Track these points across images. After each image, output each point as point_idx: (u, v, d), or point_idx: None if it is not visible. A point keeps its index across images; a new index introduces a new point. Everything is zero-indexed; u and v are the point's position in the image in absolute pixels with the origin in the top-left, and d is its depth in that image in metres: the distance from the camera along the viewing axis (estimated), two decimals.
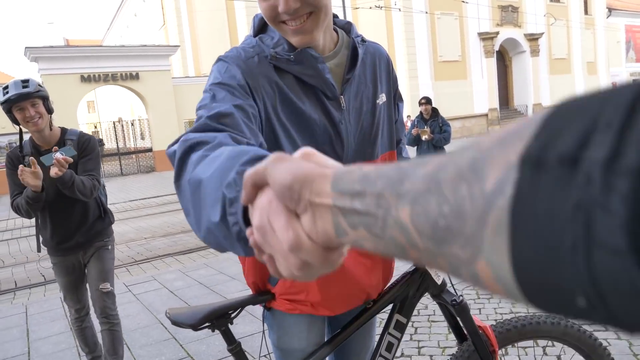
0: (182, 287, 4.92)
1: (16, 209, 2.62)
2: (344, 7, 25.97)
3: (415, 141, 6.80)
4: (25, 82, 2.57)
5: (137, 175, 22.00)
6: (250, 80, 1.08)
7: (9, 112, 2.58)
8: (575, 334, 1.69)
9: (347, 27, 1.29)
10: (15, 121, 2.61)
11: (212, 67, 1.14)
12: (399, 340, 1.53)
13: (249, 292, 1.44)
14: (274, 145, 1.12)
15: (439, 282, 1.57)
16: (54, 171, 2.36)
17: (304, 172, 0.43)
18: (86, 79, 20.41)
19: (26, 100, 2.54)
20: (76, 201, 2.64)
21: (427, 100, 6.89)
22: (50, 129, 2.71)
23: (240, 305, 1.42)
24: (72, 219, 2.69)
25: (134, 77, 21.29)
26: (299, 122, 1.15)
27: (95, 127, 27.83)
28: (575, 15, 34.34)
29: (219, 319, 1.42)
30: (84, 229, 2.73)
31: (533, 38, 31.04)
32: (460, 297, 1.58)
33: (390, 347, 1.52)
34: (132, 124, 25.07)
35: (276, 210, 0.44)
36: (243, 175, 0.50)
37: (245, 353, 1.51)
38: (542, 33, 31.31)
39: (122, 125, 24.38)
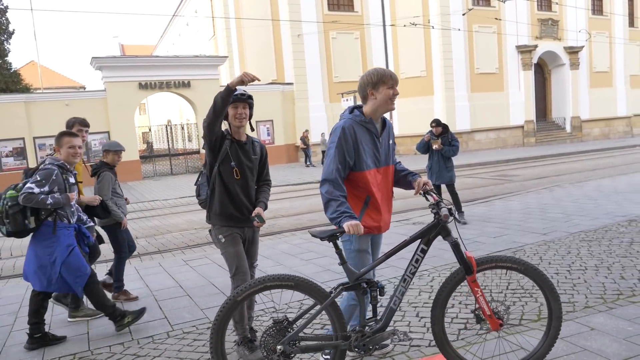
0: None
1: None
2: (384, 25, 27.10)
3: (425, 148, 7.78)
4: (244, 91, 3.36)
5: (186, 175, 23.78)
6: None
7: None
8: (522, 264, 2.75)
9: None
10: (225, 117, 3.33)
11: None
12: (422, 258, 2.78)
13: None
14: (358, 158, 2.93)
15: (449, 231, 2.78)
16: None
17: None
18: (143, 86, 22.34)
19: (243, 101, 3.34)
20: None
21: (437, 124, 7.84)
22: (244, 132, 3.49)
23: (333, 234, 2.67)
24: None
25: (186, 85, 23.10)
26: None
27: (149, 129, 29.95)
28: (619, 28, 34.10)
29: (330, 237, 2.67)
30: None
31: (573, 51, 31.13)
32: (455, 239, 2.74)
33: (417, 261, 2.78)
34: (183, 128, 26.93)
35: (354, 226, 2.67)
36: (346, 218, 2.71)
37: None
38: (582, 46, 31.35)
39: (171, 128, 26.22)
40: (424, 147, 7.79)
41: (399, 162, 3.27)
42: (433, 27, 25.48)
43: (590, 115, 32.74)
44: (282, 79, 26.77)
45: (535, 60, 29.94)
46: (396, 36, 27.30)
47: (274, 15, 26.00)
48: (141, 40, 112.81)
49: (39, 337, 3.91)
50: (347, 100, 19.94)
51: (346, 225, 2.65)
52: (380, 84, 2.87)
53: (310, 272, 5.44)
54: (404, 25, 24.22)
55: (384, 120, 3.06)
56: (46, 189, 3.74)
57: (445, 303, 2.77)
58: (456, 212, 7.71)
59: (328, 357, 2.98)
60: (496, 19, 27.73)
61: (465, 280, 2.74)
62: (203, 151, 17.95)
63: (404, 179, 3.13)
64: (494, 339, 3.23)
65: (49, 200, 3.72)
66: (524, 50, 29.13)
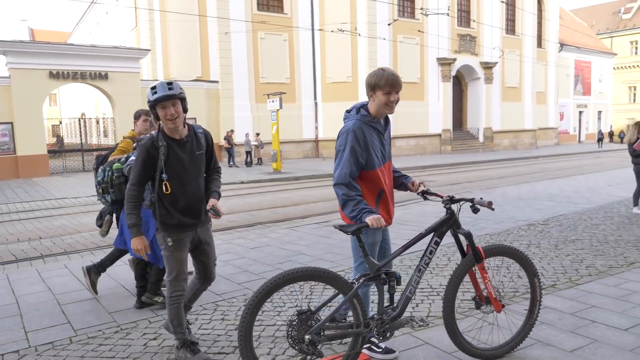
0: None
1: (126, 202, 3.12)
2: (312, 29, 27.36)
3: None
4: (170, 85, 2.99)
5: None
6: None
7: (152, 108, 3.01)
8: (515, 252, 3.18)
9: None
10: (157, 117, 3.04)
11: None
12: (435, 250, 3.00)
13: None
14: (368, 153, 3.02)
15: (460, 224, 3.04)
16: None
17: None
18: (54, 75, 20.83)
19: (169, 100, 2.98)
20: None
21: None
22: (184, 126, 3.14)
23: (359, 227, 2.81)
24: None
25: (103, 76, 21.88)
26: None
27: (60, 122, 28.10)
28: (528, 48, 36.84)
29: (355, 231, 2.80)
30: None
31: (488, 66, 33.21)
32: (469, 230, 3.01)
33: (431, 252, 2.99)
34: (98, 122, 25.52)
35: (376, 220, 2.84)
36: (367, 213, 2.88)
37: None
38: (496, 62, 33.53)
39: (85, 122, 24.76)
40: None
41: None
42: (360, 35, 26.13)
43: (502, 127, 35.06)
44: (208, 76, 26.18)
45: (454, 73, 31.60)
46: (324, 41, 27.68)
47: (201, 10, 25.40)
48: (54, 26, 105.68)
49: (154, 289, 4.40)
50: (272, 101, 19.87)
51: (369, 219, 2.80)
52: (377, 88, 2.96)
53: (228, 274, 5.35)
54: (332, 31, 24.59)
55: (386, 117, 3.17)
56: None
57: (456, 288, 3.01)
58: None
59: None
60: (419, 31, 28.94)
61: (476, 267, 3.05)
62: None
63: (396, 180, 3.27)
64: (478, 320, 3.35)
65: None
66: (444, 63, 30.65)
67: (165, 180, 3.06)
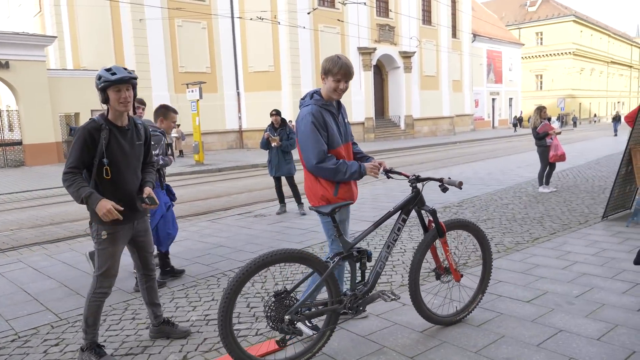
0: (47, 266, 5.53)
1: (67, 183, 2.87)
2: (232, 17, 26.77)
3: (267, 144, 7.86)
4: (126, 69, 2.97)
5: (5, 169, 20.78)
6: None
7: (103, 90, 2.91)
8: (473, 226, 3.45)
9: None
10: (105, 100, 2.93)
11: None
12: (402, 227, 3.16)
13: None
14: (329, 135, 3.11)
15: (424, 202, 3.20)
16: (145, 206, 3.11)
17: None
18: None
19: (126, 83, 2.92)
20: None
21: (277, 112, 8.01)
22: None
23: (334, 208, 2.92)
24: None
25: (3, 65, 20.12)
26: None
27: None
28: (444, 38, 38.35)
29: (331, 212, 2.91)
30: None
31: (406, 56, 34.20)
32: (433, 207, 3.17)
33: (399, 229, 3.15)
34: (1, 115, 23.50)
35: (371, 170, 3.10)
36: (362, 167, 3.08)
37: None
38: (414, 52, 34.61)
39: None
40: (265, 144, 7.86)
41: (355, 143, 3.46)
42: (279, 23, 25.90)
43: (421, 115, 36.34)
44: (122, 65, 24.84)
45: (374, 62, 32.24)
46: (245, 30, 27.17)
47: None
48: None
49: (169, 270, 4.84)
50: (192, 91, 19.25)
51: (368, 167, 3.08)
52: (329, 73, 3.04)
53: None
54: (251, 19, 24.15)
55: (338, 101, 3.25)
56: (157, 152, 4.51)
57: (421, 261, 3.18)
58: (299, 205, 7.92)
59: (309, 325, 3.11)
60: (339, 20, 29.18)
61: (438, 241, 3.24)
62: (27, 142, 15.91)
63: (358, 161, 3.30)
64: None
65: (160, 161, 4.52)
66: (365, 52, 31.18)
67: (106, 165, 2.94)
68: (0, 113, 23.46)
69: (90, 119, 3.01)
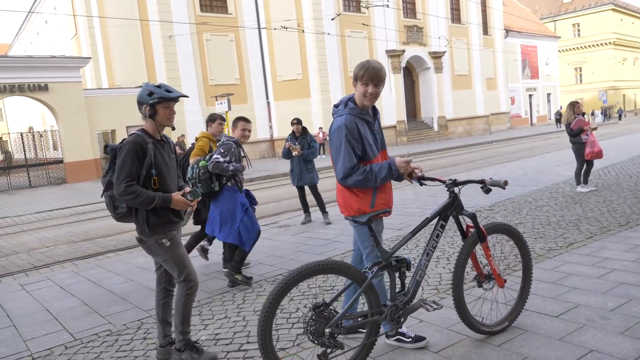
0: (73, 284, 5.59)
1: (131, 195, 2.95)
2: (259, 28, 27.01)
3: (288, 155, 7.78)
4: (176, 91, 3.15)
5: (47, 187, 21.55)
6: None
7: (152, 106, 3.03)
8: (512, 230, 3.33)
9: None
10: (152, 115, 3.05)
11: None
12: (441, 233, 3.05)
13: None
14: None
15: (463, 206, 3.09)
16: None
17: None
18: None
19: (175, 101, 3.12)
20: None
21: (297, 121, 7.92)
22: None
23: (371, 217, 2.90)
24: None
25: (43, 88, 20.93)
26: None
27: (1, 138, 26.75)
28: (474, 36, 37.53)
29: (368, 220, 2.89)
30: None
31: (436, 56, 33.64)
32: (473, 212, 3.07)
33: (438, 236, 3.04)
34: (42, 135, 24.45)
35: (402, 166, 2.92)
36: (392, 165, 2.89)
37: None
38: (444, 52, 34.00)
39: (33, 136, 23.67)
40: (287, 153, 7.80)
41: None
42: (304, 31, 25.94)
43: (455, 115, 35.61)
44: (154, 81, 25.33)
45: (403, 64, 31.84)
46: (271, 39, 27.37)
47: (142, 14, 24.61)
48: None
49: (239, 271, 5.00)
50: (221, 103, 19.49)
51: (399, 163, 2.91)
52: (357, 78, 2.97)
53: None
54: (274, 29, 24.30)
55: (374, 107, 3.14)
56: (228, 159, 4.82)
57: (464, 269, 3.07)
58: (324, 214, 7.80)
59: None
60: (364, 24, 28.99)
61: (480, 246, 3.13)
62: (68, 161, 16.28)
63: None
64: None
65: (231, 167, 4.82)
66: (393, 55, 30.84)
67: (154, 176, 3.06)
68: (46, 133, 24.46)
69: (131, 134, 3.11)
